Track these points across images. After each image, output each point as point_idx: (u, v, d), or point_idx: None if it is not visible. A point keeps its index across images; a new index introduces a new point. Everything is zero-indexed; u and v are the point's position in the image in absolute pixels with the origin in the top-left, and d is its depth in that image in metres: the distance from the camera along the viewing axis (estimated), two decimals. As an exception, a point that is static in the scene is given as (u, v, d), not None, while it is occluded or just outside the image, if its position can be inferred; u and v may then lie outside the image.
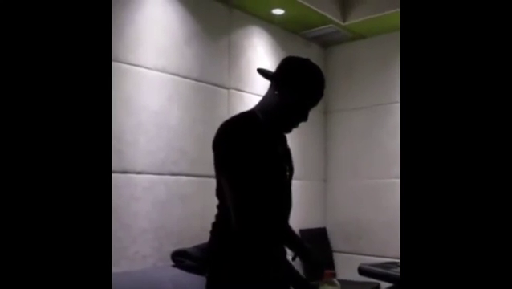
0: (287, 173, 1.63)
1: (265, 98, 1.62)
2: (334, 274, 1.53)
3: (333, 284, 1.50)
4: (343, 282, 1.55)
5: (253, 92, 3.66)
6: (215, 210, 1.66)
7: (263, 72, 1.66)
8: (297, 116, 1.57)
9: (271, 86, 1.60)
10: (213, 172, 1.63)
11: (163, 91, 3.02)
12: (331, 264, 4.19)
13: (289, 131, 1.66)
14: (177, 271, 2.71)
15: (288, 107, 1.54)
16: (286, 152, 1.71)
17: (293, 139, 3.96)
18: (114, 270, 2.66)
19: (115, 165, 2.70)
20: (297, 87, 1.53)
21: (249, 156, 1.48)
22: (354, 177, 4.25)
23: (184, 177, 3.09)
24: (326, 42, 4.40)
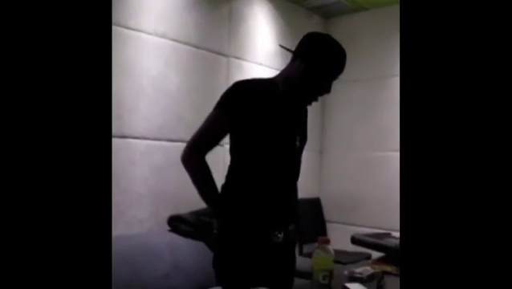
0: (297, 143, 1.68)
1: (288, 70, 1.67)
2: (328, 241, 1.56)
3: (326, 251, 1.54)
4: (336, 252, 1.58)
5: (254, 61, 3.65)
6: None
7: (284, 47, 1.75)
8: (321, 89, 1.64)
9: (294, 60, 1.64)
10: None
11: (162, 56, 3.00)
12: (323, 233, 4.26)
13: (310, 103, 1.71)
14: (173, 236, 2.75)
15: (313, 81, 1.60)
16: (302, 124, 1.76)
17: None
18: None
19: (114, 130, 2.71)
20: (322, 63, 1.58)
21: (252, 118, 1.55)
22: (350, 149, 4.29)
23: (181, 144, 3.06)
24: (327, 13, 4.36)
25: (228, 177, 1.67)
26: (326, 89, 1.65)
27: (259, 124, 1.57)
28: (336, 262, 1.60)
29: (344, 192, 4.27)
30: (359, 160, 4.21)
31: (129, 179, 2.80)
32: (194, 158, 1.62)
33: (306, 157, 4.32)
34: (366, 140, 4.18)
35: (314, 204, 4.35)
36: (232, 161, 1.66)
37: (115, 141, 2.71)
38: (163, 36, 3.00)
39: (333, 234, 4.22)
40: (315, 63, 1.59)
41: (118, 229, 2.74)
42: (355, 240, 2.70)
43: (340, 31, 4.33)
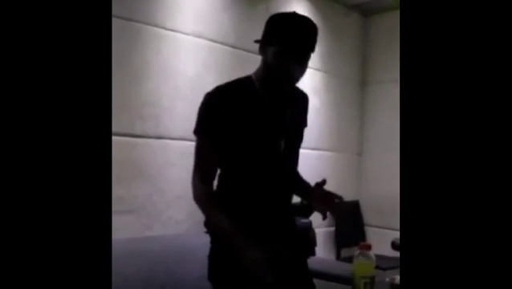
0: (281, 142, 1.55)
1: (259, 66, 1.60)
2: (369, 247, 1.50)
3: (367, 257, 1.49)
4: (376, 257, 1.51)
5: (291, 61, 3.61)
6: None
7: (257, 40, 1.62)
8: (286, 72, 1.49)
9: (261, 53, 1.58)
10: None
11: (199, 57, 3.00)
12: (362, 238, 4.17)
13: (282, 90, 1.56)
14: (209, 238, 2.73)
15: (274, 64, 1.49)
16: (289, 118, 1.60)
17: (327, 110, 3.94)
18: (148, 233, 2.72)
19: (151, 131, 2.72)
20: (276, 40, 1.48)
21: (229, 126, 1.49)
22: (391, 151, 4.15)
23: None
24: (367, 11, 4.25)
25: (217, 186, 1.62)
26: (302, 67, 1.50)
27: (236, 131, 1.50)
28: (376, 267, 1.54)
29: (385, 195, 4.16)
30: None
31: (166, 180, 2.80)
32: (206, 195, 1.60)
33: (343, 159, 4.27)
34: (407, 141, 4.07)
35: (353, 207, 4.26)
36: (220, 171, 1.60)
37: (152, 142, 2.72)
38: (200, 36, 2.99)
39: (372, 238, 4.12)
40: (271, 45, 1.49)
41: (155, 229, 2.74)
42: (395, 245, 2.62)
43: (380, 30, 4.23)
